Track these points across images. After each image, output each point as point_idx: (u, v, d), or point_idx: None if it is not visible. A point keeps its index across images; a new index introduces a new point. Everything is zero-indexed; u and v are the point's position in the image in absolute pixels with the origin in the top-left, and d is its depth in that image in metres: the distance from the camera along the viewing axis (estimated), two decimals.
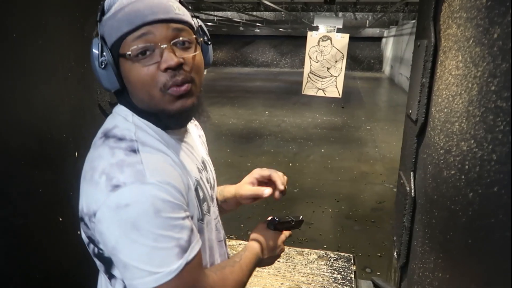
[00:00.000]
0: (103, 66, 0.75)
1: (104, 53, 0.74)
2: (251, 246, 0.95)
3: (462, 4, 0.84)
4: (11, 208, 0.95)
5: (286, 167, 5.67)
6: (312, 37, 6.00)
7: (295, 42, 22.25)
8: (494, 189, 0.61)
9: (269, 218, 0.99)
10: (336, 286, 1.41)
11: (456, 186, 0.79)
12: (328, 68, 5.82)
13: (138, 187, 0.65)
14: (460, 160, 0.78)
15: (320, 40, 5.92)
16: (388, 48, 19.70)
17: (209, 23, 13.23)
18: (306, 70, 5.98)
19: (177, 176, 0.73)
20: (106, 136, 0.74)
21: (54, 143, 1.08)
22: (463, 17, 0.82)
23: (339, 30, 5.99)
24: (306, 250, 1.70)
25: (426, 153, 1.05)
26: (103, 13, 0.75)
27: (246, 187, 1.02)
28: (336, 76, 5.80)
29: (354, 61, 21.87)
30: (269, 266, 1.38)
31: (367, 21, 12.68)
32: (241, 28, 16.69)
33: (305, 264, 1.56)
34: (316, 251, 1.71)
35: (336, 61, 5.78)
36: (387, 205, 4.43)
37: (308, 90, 5.99)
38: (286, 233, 1.01)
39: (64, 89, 1.11)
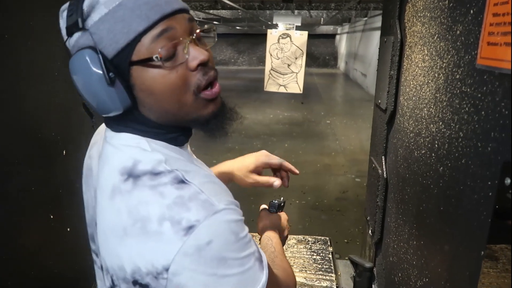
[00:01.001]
0: (111, 82, 0.58)
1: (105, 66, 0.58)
2: (272, 234, 0.94)
3: (426, 5, 0.96)
4: (7, 207, 0.96)
5: None
6: (272, 35, 6.12)
7: (252, 40, 22.39)
8: (462, 161, 0.72)
9: (267, 205, 1.05)
10: (316, 266, 1.51)
11: (427, 163, 0.91)
12: (288, 65, 5.98)
13: (214, 219, 0.56)
14: (429, 141, 0.89)
15: (280, 37, 6.05)
16: (342, 44, 20.34)
17: None
18: (267, 67, 6.10)
19: (226, 189, 0.64)
20: (133, 176, 0.59)
21: (44, 142, 1.10)
22: (427, 16, 0.94)
23: (297, 28, 6.15)
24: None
25: (396, 137, 1.18)
26: (83, 18, 0.58)
27: (253, 176, 1.00)
28: (297, 73, 5.97)
29: (310, 58, 22.34)
30: None
31: (322, 18, 13.04)
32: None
33: (286, 249, 1.66)
34: (295, 236, 1.81)
35: (296, 58, 5.94)
36: (350, 195, 4.64)
37: (270, 86, 6.13)
38: (285, 214, 1.08)
39: (52, 89, 1.12)
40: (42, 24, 1.05)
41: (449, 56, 0.80)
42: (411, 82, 1.05)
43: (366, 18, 13.01)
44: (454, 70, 0.77)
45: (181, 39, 0.60)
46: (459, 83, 0.75)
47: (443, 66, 0.83)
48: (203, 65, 0.62)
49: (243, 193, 4.41)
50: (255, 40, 21.92)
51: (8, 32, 0.92)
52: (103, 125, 0.78)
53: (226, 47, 23.36)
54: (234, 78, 17.24)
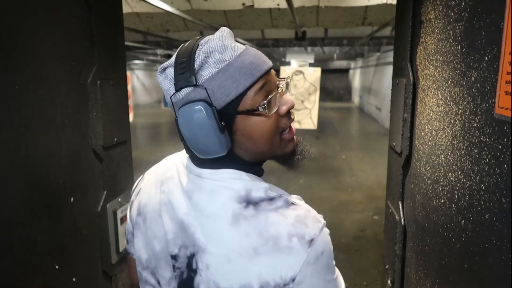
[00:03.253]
0: (222, 130, 0.68)
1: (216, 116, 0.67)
2: None
3: (437, 49, 0.93)
4: (11, 258, 0.94)
5: None
6: (285, 72, 6.20)
7: None
8: (486, 217, 0.67)
9: None
10: None
11: (447, 214, 0.85)
12: (302, 101, 6.01)
13: (324, 232, 0.70)
14: (449, 190, 0.84)
15: (294, 74, 6.13)
16: (356, 79, 20.50)
17: None
18: None
19: None
20: (252, 203, 0.70)
21: (51, 190, 1.09)
22: (439, 60, 0.92)
23: (310, 65, 6.23)
24: None
25: (413, 183, 1.12)
26: (195, 75, 0.68)
27: None
28: (311, 108, 5.99)
29: (324, 92, 22.53)
30: None
31: (335, 54, 13.21)
32: None
33: None
34: None
35: (309, 94, 5.98)
36: (368, 233, 4.49)
37: None
38: None
39: (62, 136, 1.13)
40: (53, 73, 1.06)
41: (464, 103, 0.76)
42: (426, 126, 1.01)
43: (379, 53, 13.13)
44: (470, 117, 0.73)
45: (272, 91, 0.73)
46: (477, 131, 0.71)
47: (459, 112, 0.79)
48: (288, 110, 0.76)
49: None
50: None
51: (19, 82, 0.93)
52: (160, 165, 0.90)
53: None
54: None
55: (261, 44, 9.56)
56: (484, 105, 0.68)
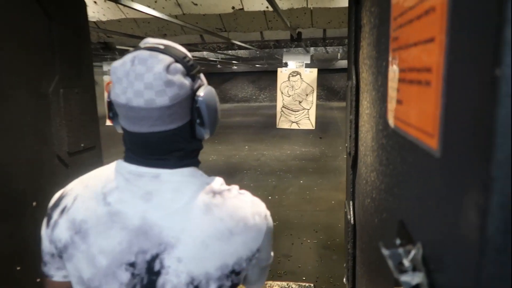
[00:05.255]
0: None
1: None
2: None
3: (368, 53, 0.96)
4: None
5: (266, 200, 5.66)
6: (282, 73, 6.24)
7: (273, 77, 22.71)
8: (383, 215, 0.70)
9: None
10: None
11: (371, 213, 0.88)
12: (299, 102, 6.03)
13: (266, 209, 0.86)
14: (370, 190, 0.87)
15: (290, 75, 6.16)
16: None
17: None
18: (279, 104, 6.18)
19: None
20: (218, 192, 0.81)
21: (11, 195, 1.13)
22: (367, 64, 0.95)
23: (307, 65, 6.25)
24: (269, 282, 1.74)
25: (358, 183, 1.15)
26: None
27: None
28: (308, 109, 6.01)
29: (330, 92, 22.47)
30: None
31: (339, 53, 13.17)
32: (218, 66, 17.11)
33: None
34: (279, 282, 1.76)
35: (307, 95, 6.00)
36: None
37: (282, 123, 6.17)
38: None
39: (20, 144, 1.17)
40: (9, 84, 1.11)
41: (377, 106, 0.80)
42: (363, 128, 1.04)
43: None
44: (379, 120, 0.77)
45: None
46: (380, 133, 0.74)
47: (374, 115, 0.82)
48: None
49: None
50: (275, 76, 22.31)
51: None
52: (89, 179, 0.87)
53: (248, 84, 23.86)
54: (255, 115, 17.47)
55: (262, 45, 9.61)
56: (383, 109, 0.71)
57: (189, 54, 0.80)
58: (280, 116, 6.22)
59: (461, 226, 0.32)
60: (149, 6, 3.36)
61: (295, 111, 6.14)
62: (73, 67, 1.38)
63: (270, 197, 5.85)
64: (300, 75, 6.13)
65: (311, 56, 8.66)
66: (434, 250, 0.39)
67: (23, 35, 1.17)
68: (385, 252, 0.46)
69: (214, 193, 0.80)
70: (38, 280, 1.31)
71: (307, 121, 6.08)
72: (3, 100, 1.08)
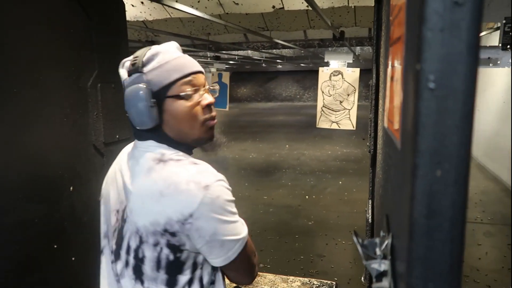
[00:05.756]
0: (152, 106, 0.90)
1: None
2: None
3: (382, 52, 0.97)
4: (6, 236, 1.10)
5: (303, 200, 5.71)
6: (323, 73, 6.19)
7: (317, 76, 22.55)
8: (383, 212, 0.71)
9: None
10: None
11: (379, 210, 0.89)
12: (340, 102, 5.96)
13: (218, 183, 0.88)
14: (378, 187, 0.88)
15: (332, 75, 6.10)
16: None
17: (231, 62, 13.74)
18: (319, 104, 6.15)
19: None
20: (163, 161, 0.91)
21: (50, 179, 1.24)
22: (382, 63, 0.95)
23: (349, 65, 6.15)
24: (291, 277, 1.76)
25: (376, 181, 1.15)
26: (142, 66, 0.92)
27: None
28: (349, 109, 5.93)
29: None
30: None
31: None
32: (263, 64, 17.23)
33: None
34: (301, 278, 1.78)
35: (348, 95, 5.92)
36: None
37: (322, 123, 6.13)
38: None
39: (60, 133, 1.28)
40: (51, 77, 1.22)
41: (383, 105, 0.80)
42: (379, 127, 1.04)
43: None
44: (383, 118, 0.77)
45: (200, 88, 0.96)
46: (383, 132, 0.75)
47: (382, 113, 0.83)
48: (209, 105, 0.97)
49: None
50: None
51: (18, 86, 1.09)
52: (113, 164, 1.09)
53: (292, 83, 23.80)
54: (298, 114, 17.42)
55: (306, 45, 9.57)
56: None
57: (148, 55, 0.93)
58: (320, 115, 6.18)
59: (403, 214, 0.33)
60: (192, 6, 3.48)
61: (335, 111, 6.08)
62: (110, 64, 1.48)
63: (307, 197, 5.84)
64: (342, 75, 6.06)
65: (358, 56, 8.51)
66: (395, 239, 0.41)
67: (65, 33, 1.28)
68: (355, 239, 0.48)
69: (160, 160, 0.91)
70: (73, 258, 1.42)
71: (347, 121, 6.00)
72: (46, 93, 1.19)
